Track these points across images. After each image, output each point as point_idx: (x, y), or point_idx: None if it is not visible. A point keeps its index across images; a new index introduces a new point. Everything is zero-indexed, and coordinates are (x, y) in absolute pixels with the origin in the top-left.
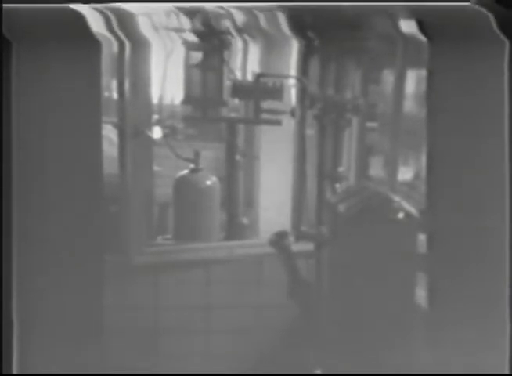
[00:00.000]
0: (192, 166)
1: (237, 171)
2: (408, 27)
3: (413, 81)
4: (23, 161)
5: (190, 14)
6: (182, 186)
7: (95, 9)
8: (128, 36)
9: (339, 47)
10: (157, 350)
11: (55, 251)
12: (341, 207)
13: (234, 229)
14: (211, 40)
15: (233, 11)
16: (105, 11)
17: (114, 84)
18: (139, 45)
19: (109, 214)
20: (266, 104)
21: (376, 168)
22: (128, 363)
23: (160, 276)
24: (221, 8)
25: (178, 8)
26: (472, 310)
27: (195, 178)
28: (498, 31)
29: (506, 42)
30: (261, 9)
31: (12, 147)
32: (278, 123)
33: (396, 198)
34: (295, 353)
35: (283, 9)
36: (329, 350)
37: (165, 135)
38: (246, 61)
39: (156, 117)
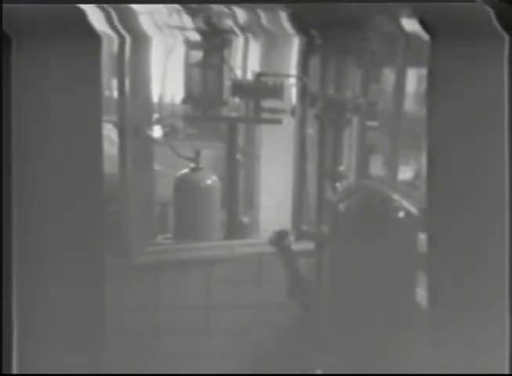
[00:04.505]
0: (192, 165)
1: (238, 170)
2: (409, 25)
3: (414, 79)
4: (22, 160)
5: (192, 12)
6: (183, 185)
7: (96, 5)
8: (128, 34)
9: (340, 46)
10: (157, 350)
11: (56, 250)
12: (342, 206)
13: (234, 228)
14: (212, 38)
15: (235, 9)
16: (106, 8)
17: (114, 82)
18: (140, 43)
19: (109, 213)
20: (266, 103)
21: (377, 167)
22: (128, 362)
23: (160, 275)
24: (223, 6)
25: (179, 6)
26: (472, 310)
27: (195, 177)
28: (499, 28)
29: (507, 39)
30: (263, 8)
31: (11, 145)
32: (278, 122)
33: (396, 197)
34: (295, 353)
35: (284, 7)
36: (330, 350)
37: (165, 134)
38: (246, 60)
39: (156, 116)
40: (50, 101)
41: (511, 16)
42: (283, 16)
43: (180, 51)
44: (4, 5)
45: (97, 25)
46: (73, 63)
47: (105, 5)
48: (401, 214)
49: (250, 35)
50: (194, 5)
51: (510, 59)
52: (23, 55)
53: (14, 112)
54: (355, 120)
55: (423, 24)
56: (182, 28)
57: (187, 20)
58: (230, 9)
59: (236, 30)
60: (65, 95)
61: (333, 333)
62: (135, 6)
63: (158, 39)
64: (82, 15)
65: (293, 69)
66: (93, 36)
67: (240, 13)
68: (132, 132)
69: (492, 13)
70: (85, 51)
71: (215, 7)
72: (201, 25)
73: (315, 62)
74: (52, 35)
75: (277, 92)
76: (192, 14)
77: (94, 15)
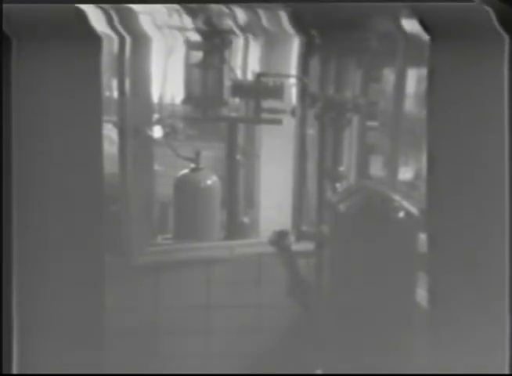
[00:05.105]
0: (192, 165)
1: (238, 170)
2: (409, 25)
3: (414, 79)
4: (22, 159)
5: (191, 13)
6: (183, 185)
7: (96, 6)
8: (128, 34)
9: (340, 46)
10: (157, 350)
11: (56, 250)
12: (342, 207)
13: (234, 229)
14: (212, 39)
15: (234, 10)
16: (106, 9)
17: (115, 83)
18: (140, 43)
19: (109, 213)
20: (267, 103)
21: (377, 167)
22: (128, 363)
23: (160, 275)
24: (223, 6)
25: (179, 6)
26: (472, 310)
27: (195, 177)
28: (499, 29)
29: (507, 39)
30: (262, 8)
31: (11, 145)
32: (278, 122)
33: (396, 197)
34: (295, 353)
35: (283, 7)
36: (330, 350)
37: (166, 135)
38: (246, 60)
39: (156, 116)
40: (50, 101)
41: (511, 17)
42: (283, 17)
43: (180, 51)
44: (4, 6)
45: (97, 26)
46: (73, 64)
47: (105, 6)
48: (401, 214)
49: (250, 35)
50: (194, 6)
51: (510, 60)
52: (24, 55)
53: (14, 112)
54: (355, 120)
55: (423, 25)
56: (182, 28)
57: (187, 21)
58: (230, 10)
59: (236, 30)
60: (65, 95)
61: (333, 333)
62: (135, 7)
63: (158, 39)
64: (83, 15)
65: (293, 69)
66: (93, 36)
67: (240, 13)
68: (132, 132)
69: (492, 14)
70: (86, 51)
71: (215, 7)
72: (201, 25)
73: (315, 62)
74: (52, 36)
75: (277, 92)
76: (192, 14)
77: (94, 15)
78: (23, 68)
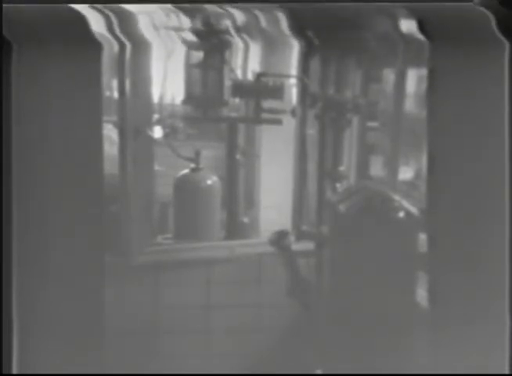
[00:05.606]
0: (192, 165)
1: (238, 170)
2: (408, 26)
3: (414, 80)
4: (23, 161)
5: (190, 13)
6: (183, 185)
7: (95, 9)
8: (128, 36)
9: (339, 47)
10: (157, 350)
11: (56, 250)
12: (342, 207)
13: (235, 229)
14: (212, 39)
15: (233, 11)
16: (105, 11)
17: (115, 83)
18: (140, 45)
19: (109, 214)
20: (267, 103)
21: (377, 168)
22: (128, 363)
23: (160, 275)
24: (222, 7)
25: (177, 7)
26: (472, 310)
27: (195, 177)
28: (498, 32)
29: (507, 44)
30: (262, 9)
31: (12, 147)
32: (278, 122)
33: (397, 197)
34: (295, 353)
35: (283, 8)
36: (330, 350)
37: (166, 135)
38: (246, 60)
39: (156, 116)
40: (51, 101)
41: (510, 20)
42: (284, 17)
43: (180, 52)
44: (4, 11)
45: (97, 28)
46: (73, 66)
47: (105, 10)
48: (401, 214)
49: (250, 36)
50: (193, 6)
51: (510, 62)
52: (24, 59)
53: (14, 112)
54: (355, 120)
55: (422, 26)
56: (182, 30)
57: (187, 22)
58: (228, 11)
59: (236, 31)
60: (66, 96)
61: (333, 333)
62: (134, 9)
63: (158, 40)
64: (82, 19)
65: (293, 69)
66: (93, 39)
67: (239, 15)
68: (133, 133)
69: (491, 17)
70: (86, 53)
71: (217, 8)
72: (201, 26)
73: (315, 62)
74: (52, 40)
75: (277, 92)
76: (192, 15)
77: (94, 19)
78: (23, 72)
